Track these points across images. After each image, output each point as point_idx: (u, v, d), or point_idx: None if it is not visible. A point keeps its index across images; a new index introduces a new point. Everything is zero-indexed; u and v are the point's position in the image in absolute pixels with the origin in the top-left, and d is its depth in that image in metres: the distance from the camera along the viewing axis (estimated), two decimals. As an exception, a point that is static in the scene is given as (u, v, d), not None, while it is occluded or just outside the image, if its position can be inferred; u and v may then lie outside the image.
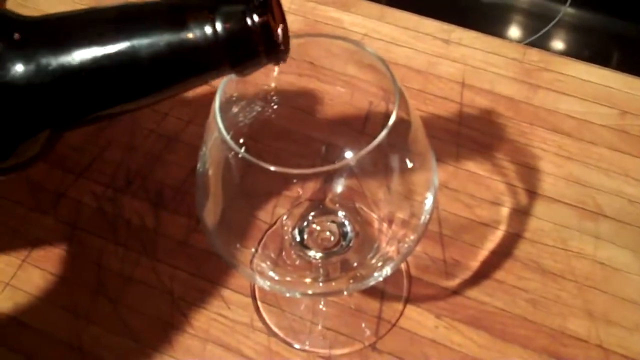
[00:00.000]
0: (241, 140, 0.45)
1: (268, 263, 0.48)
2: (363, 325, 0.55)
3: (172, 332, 0.54)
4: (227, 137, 0.38)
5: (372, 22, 0.72)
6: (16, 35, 0.36)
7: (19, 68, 0.35)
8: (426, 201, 0.45)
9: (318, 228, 0.52)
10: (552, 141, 0.63)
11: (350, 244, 0.51)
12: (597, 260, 0.56)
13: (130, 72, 0.36)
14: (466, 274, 0.56)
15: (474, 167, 0.61)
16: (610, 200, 0.59)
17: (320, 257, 0.51)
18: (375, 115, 0.50)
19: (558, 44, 0.94)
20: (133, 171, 0.62)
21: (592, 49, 0.93)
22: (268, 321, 0.55)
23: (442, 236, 0.58)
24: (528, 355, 0.52)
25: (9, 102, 0.36)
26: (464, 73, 0.68)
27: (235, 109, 0.44)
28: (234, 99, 0.43)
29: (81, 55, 0.35)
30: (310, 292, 0.48)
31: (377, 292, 0.56)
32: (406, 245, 0.45)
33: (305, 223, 0.52)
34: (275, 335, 0.54)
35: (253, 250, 0.48)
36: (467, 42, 0.70)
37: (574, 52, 0.91)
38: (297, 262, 0.51)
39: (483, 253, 0.57)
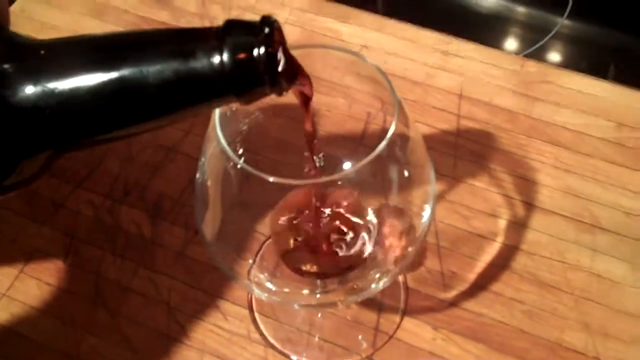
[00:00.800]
0: (240, 151, 0.45)
1: (266, 274, 0.48)
2: (360, 337, 0.55)
3: (169, 343, 0.54)
4: (227, 148, 0.38)
5: (371, 33, 0.73)
6: (37, 55, 0.36)
7: (27, 90, 0.36)
8: (424, 213, 0.45)
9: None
10: (549, 153, 0.63)
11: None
12: (593, 273, 0.56)
13: (137, 98, 0.36)
14: (463, 286, 0.56)
15: (472, 178, 0.62)
16: (607, 213, 0.59)
17: (318, 269, 0.51)
18: (373, 126, 0.50)
19: (555, 56, 0.94)
20: (131, 182, 0.62)
21: (589, 61, 0.93)
22: (265, 333, 0.55)
23: (439, 248, 0.58)
24: (525, 368, 0.52)
25: (15, 122, 0.36)
26: (462, 84, 0.68)
27: (233, 120, 0.44)
28: (232, 110, 0.43)
29: (89, 79, 0.35)
30: (307, 303, 0.48)
31: (374, 304, 0.56)
32: (402, 257, 0.45)
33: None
34: (272, 346, 0.54)
35: (251, 261, 0.48)
36: (465, 53, 0.70)
37: (571, 64, 0.91)
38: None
39: (480, 265, 0.57)
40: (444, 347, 0.53)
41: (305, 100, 0.41)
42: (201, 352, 0.53)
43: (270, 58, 0.35)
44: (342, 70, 0.45)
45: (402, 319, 0.55)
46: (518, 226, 0.59)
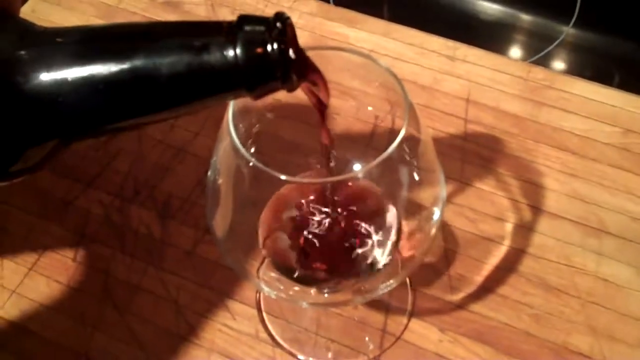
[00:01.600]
0: (251, 150, 0.46)
1: (275, 272, 0.49)
2: (367, 338, 0.55)
3: (178, 342, 0.54)
4: (239, 145, 0.39)
5: (378, 38, 0.73)
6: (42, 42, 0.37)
7: (40, 77, 0.36)
8: (433, 215, 0.45)
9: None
10: (556, 158, 0.63)
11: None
12: (600, 277, 0.57)
13: (149, 88, 0.36)
14: (470, 289, 0.56)
15: (479, 182, 0.62)
16: (614, 217, 0.60)
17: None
18: (382, 128, 0.50)
19: (561, 64, 0.95)
20: (141, 181, 0.63)
21: (594, 68, 0.94)
22: (273, 332, 0.55)
23: (446, 250, 0.58)
24: (531, 370, 0.53)
25: (27, 109, 0.36)
26: (469, 90, 0.68)
27: (246, 119, 0.45)
28: (244, 110, 0.44)
29: (102, 68, 0.35)
30: (315, 302, 0.48)
31: (381, 305, 0.56)
32: (411, 259, 0.46)
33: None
34: (280, 346, 0.54)
35: (260, 259, 0.48)
36: (473, 59, 0.71)
37: (576, 72, 0.91)
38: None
39: (487, 268, 0.57)
40: (450, 350, 0.54)
41: (320, 104, 0.42)
42: (209, 351, 0.54)
43: (282, 53, 0.35)
44: (351, 73, 0.45)
45: (409, 320, 0.55)
46: (525, 230, 0.59)
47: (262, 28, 0.35)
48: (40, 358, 0.54)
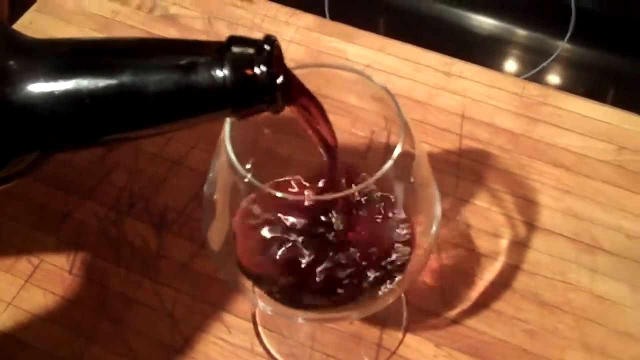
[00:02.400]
0: (247, 166, 0.46)
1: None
2: (362, 352, 0.55)
3: (173, 355, 0.54)
4: (236, 162, 0.39)
5: (374, 54, 0.73)
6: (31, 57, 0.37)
7: (27, 88, 0.36)
8: (429, 231, 0.45)
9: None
10: (550, 174, 0.63)
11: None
12: (594, 294, 0.57)
13: (135, 104, 0.36)
14: (465, 304, 0.57)
15: (473, 198, 0.62)
16: (608, 234, 0.60)
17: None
18: (377, 144, 0.51)
19: (555, 79, 0.95)
20: (137, 194, 0.63)
21: (589, 84, 0.94)
22: (268, 346, 0.55)
23: (441, 266, 0.58)
24: (525, 386, 0.53)
25: (12, 119, 0.36)
26: (464, 105, 0.69)
27: (241, 135, 0.45)
28: (241, 124, 0.44)
29: (89, 83, 0.36)
30: (311, 317, 0.48)
31: (377, 320, 0.56)
32: (406, 274, 0.46)
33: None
34: (275, 360, 0.54)
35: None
36: (468, 75, 0.71)
37: (571, 87, 0.92)
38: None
39: (482, 283, 0.58)
40: (445, 364, 0.54)
41: (311, 127, 0.42)
42: (204, 365, 0.54)
43: (270, 76, 0.35)
44: (346, 89, 0.46)
45: (404, 335, 0.55)
46: (519, 246, 0.60)
47: (250, 50, 0.36)
48: (35, 370, 0.54)
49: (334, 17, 0.93)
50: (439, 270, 0.58)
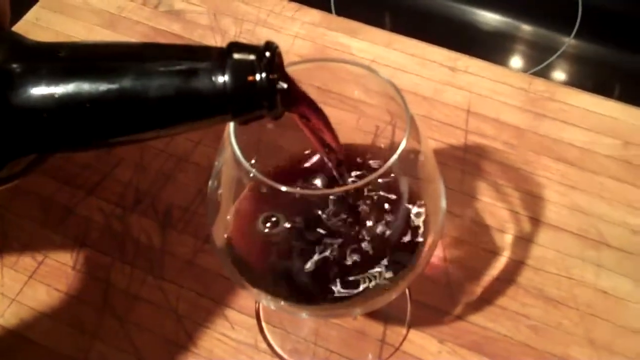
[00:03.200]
0: (252, 161, 0.46)
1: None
2: (366, 348, 0.55)
3: (177, 351, 0.54)
4: (241, 156, 0.39)
5: (380, 49, 0.73)
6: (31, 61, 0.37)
7: (28, 91, 0.36)
8: (434, 226, 0.45)
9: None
10: (556, 170, 0.63)
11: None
12: (599, 289, 0.57)
13: (136, 109, 0.36)
14: (469, 300, 0.56)
15: (479, 193, 0.62)
16: (613, 230, 0.60)
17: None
18: (382, 139, 0.50)
19: (562, 75, 0.95)
20: (142, 190, 0.63)
21: (595, 80, 0.94)
22: (272, 342, 0.55)
23: (445, 261, 0.58)
24: (530, 382, 0.53)
25: (13, 122, 0.36)
26: (470, 101, 0.68)
27: (245, 130, 0.45)
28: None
29: (90, 87, 0.36)
30: (315, 313, 0.48)
31: (380, 316, 0.56)
32: (411, 269, 0.46)
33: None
34: (279, 356, 0.54)
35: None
36: (474, 70, 0.71)
37: (577, 83, 0.91)
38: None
39: (486, 279, 0.57)
40: (449, 360, 0.54)
41: (311, 131, 0.42)
42: (208, 361, 0.54)
43: (270, 83, 0.35)
44: (351, 84, 0.46)
45: (408, 331, 0.55)
46: (524, 241, 0.59)
47: (251, 56, 0.36)
48: (40, 366, 0.54)
49: (340, 13, 0.93)
50: (443, 265, 0.58)
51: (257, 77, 0.35)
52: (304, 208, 0.47)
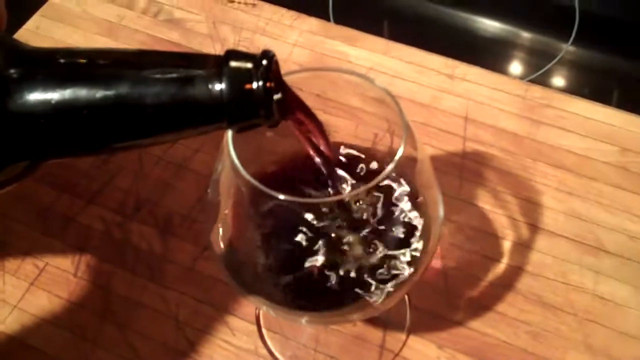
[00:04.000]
0: (250, 169, 0.46)
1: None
2: (366, 354, 0.55)
3: (177, 358, 0.55)
4: (239, 164, 0.39)
5: (378, 57, 0.74)
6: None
7: (25, 97, 0.36)
8: (431, 233, 0.46)
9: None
10: (553, 176, 0.64)
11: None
12: (597, 295, 0.57)
13: (132, 116, 0.37)
14: (468, 306, 0.57)
15: (477, 200, 0.62)
16: (611, 236, 0.60)
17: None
18: (380, 146, 0.51)
19: (559, 81, 0.95)
20: (142, 198, 0.63)
21: (592, 87, 0.94)
22: (272, 348, 0.55)
23: (444, 267, 0.59)
24: (529, 387, 0.53)
25: (9, 127, 0.37)
26: (468, 108, 0.69)
27: (244, 138, 0.45)
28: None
29: (88, 94, 0.36)
30: (314, 319, 0.48)
31: (380, 322, 0.56)
32: (410, 276, 0.46)
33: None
34: (279, 362, 0.55)
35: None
36: (471, 77, 0.71)
37: (575, 89, 0.92)
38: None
39: (485, 285, 0.58)
40: (448, 366, 0.54)
41: (308, 139, 0.42)
42: (209, 367, 0.54)
43: (267, 91, 0.36)
44: (349, 92, 0.46)
45: (407, 337, 0.55)
46: (522, 247, 0.60)
47: (248, 65, 0.36)
48: (41, 373, 0.54)
49: (338, 21, 0.93)
50: (442, 272, 0.58)
51: (254, 85, 0.35)
52: (301, 216, 0.47)
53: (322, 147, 0.43)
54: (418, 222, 0.46)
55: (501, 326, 0.56)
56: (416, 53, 0.74)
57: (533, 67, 0.96)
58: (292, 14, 0.77)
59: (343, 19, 0.95)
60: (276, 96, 0.36)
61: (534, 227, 0.61)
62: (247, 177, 0.39)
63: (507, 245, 0.60)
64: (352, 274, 0.47)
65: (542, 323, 0.56)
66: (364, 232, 0.48)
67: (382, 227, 0.48)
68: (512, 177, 0.64)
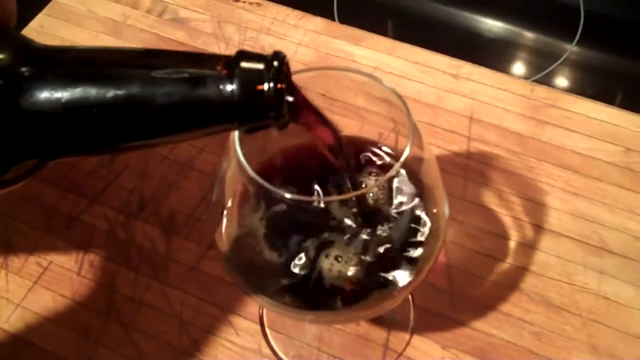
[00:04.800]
0: (256, 167, 0.46)
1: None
2: (370, 354, 0.55)
3: (181, 357, 0.55)
4: (245, 163, 0.39)
5: (383, 56, 0.74)
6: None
7: (35, 95, 0.36)
8: (436, 233, 0.45)
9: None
10: (558, 176, 0.64)
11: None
12: (601, 295, 0.57)
13: (142, 115, 0.36)
14: (472, 306, 0.57)
15: (481, 200, 0.62)
16: (615, 236, 0.60)
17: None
18: (386, 146, 0.51)
19: (564, 82, 0.95)
20: (146, 197, 0.63)
21: (597, 87, 0.94)
22: (276, 348, 0.55)
23: (449, 267, 0.58)
24: (533, 388, 0.53)
25: (20, 126, 0.37)
26: (473, 108, 0.69)
27: (249, 137, 0.45)
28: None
29: (98, 93, 0.36)
30: (318, 319, 0.48)
31: (384, 322, 0.56)
32: (414, 276, 0.46)
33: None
34: (282, 362, 0.55)
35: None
36: (476, 77, 0.71)
37: (579, 90, 0.92)
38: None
39: (489, 285, 0.58)
40: (452, 366, 0.54)
41: (319, 139, 0.42)
42: (212, 366, 0.54)
43: (278, 93, 0.36)
44: (355, 91, 0.46)
45: (411, 337, 0.55)
46: (527, 247, 0.60)
47: (259, 66, 0.36)
48: (45, 372, 0.54)
49: (343, 20, 0.93)
50: (446, 271, 0.58)
51: (265, 86, 0.35)
52: (307, 215, 0.47)
53: (332, 146, 0.43)
54: (423, 222, 0.46)
55: (505, 326, 0.56)
56: (421, 53, 0.74)
57: (538, 67, 0.96)
58: (297, 13, 0.77)
59: (348, 18, 0.95)
60: (286, 97, 0.36)
61: (538, 227, 0.61)
62: (254, 175, 0.39)
63: (511, 245, 0.60)
64: (357, 273, 0.47)
65: (546, 323, 0.56)
66: (370, 231, 0.48)
67: (387, 227, 0.48)
68: (516, 177, 0.64)
